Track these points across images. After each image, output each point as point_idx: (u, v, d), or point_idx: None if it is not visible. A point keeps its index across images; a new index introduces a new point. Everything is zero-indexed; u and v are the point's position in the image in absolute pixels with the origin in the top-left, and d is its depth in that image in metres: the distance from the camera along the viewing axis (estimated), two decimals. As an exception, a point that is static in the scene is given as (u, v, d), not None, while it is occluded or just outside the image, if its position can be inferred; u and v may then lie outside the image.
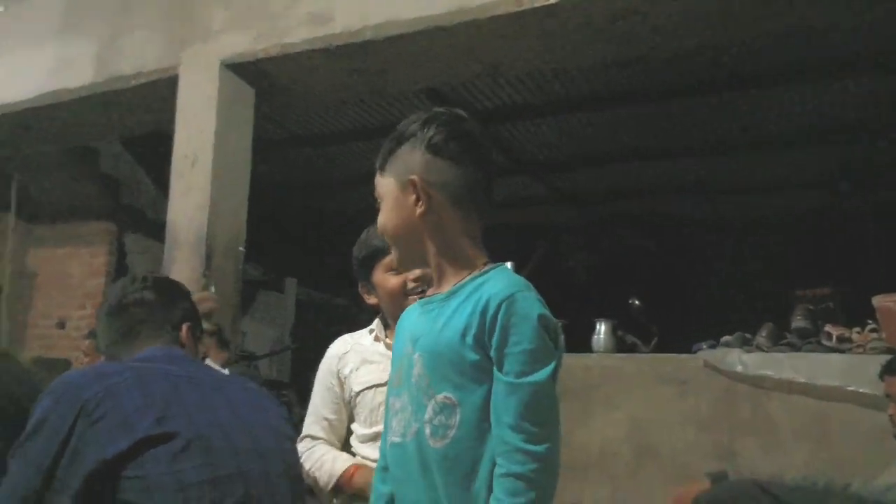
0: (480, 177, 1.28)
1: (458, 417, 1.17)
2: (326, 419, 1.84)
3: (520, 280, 1.21)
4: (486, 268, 1.25)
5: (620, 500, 3.04)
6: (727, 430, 3.01)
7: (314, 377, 1.96)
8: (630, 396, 3.23)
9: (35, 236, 6.03)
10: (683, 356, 3.25)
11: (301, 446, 1.79)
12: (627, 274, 6.69)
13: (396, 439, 1.25)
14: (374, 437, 1.73)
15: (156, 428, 1.26)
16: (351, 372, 1.84)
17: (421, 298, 1.83)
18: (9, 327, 5.71)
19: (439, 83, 4.13)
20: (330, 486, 1.75)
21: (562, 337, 1.20)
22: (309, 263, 7.46)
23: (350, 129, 5.29)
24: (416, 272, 1.82)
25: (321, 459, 1.78)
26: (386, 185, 1.29)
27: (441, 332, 1.21)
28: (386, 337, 1.87)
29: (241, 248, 3.60)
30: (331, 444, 1.84)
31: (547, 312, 1.17)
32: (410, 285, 1.83)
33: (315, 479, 1.77)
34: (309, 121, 5.19)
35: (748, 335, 3.21)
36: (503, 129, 5.19)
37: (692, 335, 3.42)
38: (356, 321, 2.02)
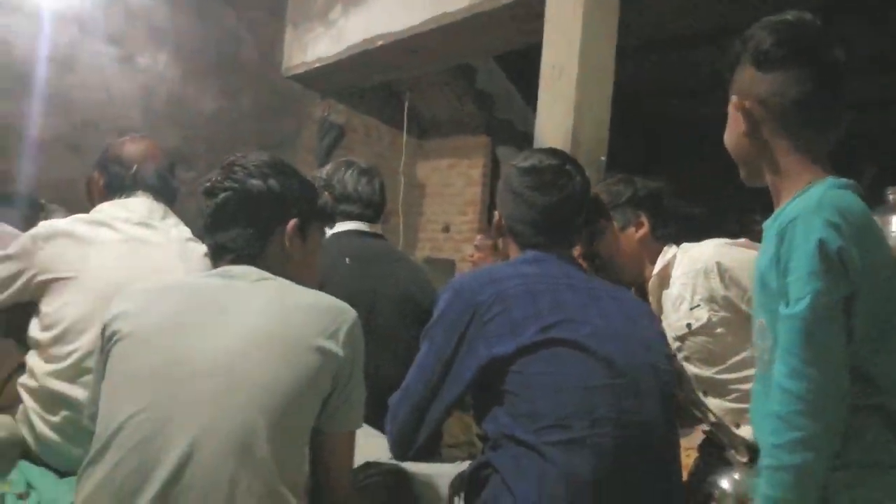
0: (815, 87, 1.13)
1: (769, 343, 1.10)
2: None
3: (816, 200, 1.06)
4: (808, 186, 1.12)
5: None
6: None
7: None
8: None
9: (423, 150, 6.75)
10: None
11: None
12: None
13: None
14: None
15: (540, 336, 1.36)
16: None
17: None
18: (405, 232, 6.53)
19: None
20: None
21: (859, 263, 1.02)
22: (665, 172, 7.23)
23: (709, 32, 4.92)
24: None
25: None
26: (730, 101, 1.22)
27: (761, 256, 1.14)
28: None
29: (602, 158, 3.63)
30: None
31: (829, 236, 1.01)
32: None
33: None
34: (667, 24, 4.93)
35: None
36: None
37: None
38: (716, 230, 1.93)
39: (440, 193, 6.55)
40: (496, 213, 1.65)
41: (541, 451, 1.29)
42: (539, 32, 3.74)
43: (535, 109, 3.75)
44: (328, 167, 2.30)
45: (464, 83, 6.11)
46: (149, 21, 5.17)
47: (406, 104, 6.37)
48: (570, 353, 1.36)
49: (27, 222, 2.74)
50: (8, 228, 2.55)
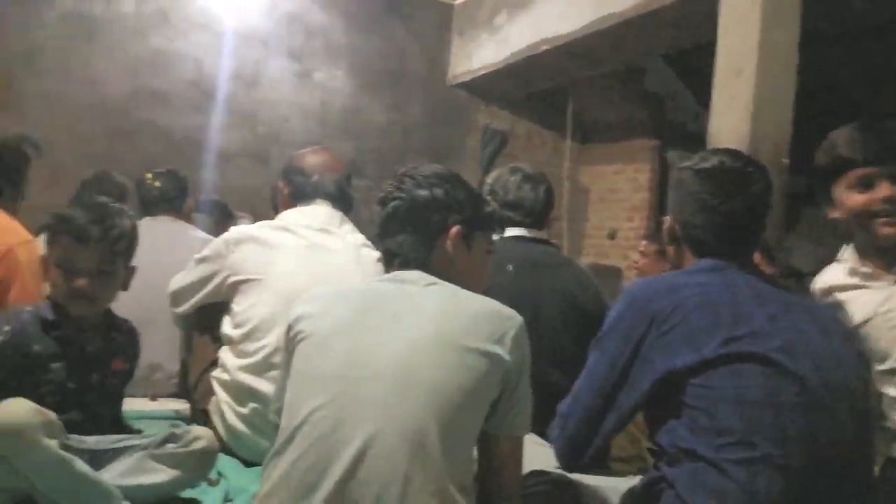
0: None
1: None
2: None
3: None
4: None
5: None
6: None
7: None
8: None
9: (587, 155, 6.65)
10: None
11: None
12: None
13: None
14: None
15: (724, 349, 1.28)
16: None
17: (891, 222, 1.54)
18: (569, 238, 6.47)
19: None
20: None
21: None
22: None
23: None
24: (886, 191, 1.53)
25: None
26: None
27: None
28: (863, 265, 1.63)
29: (784, 160, 3.40)
30: None
31: None
32: (878, 206, 1.54)
33: None
34: (860, 10, 4.54)
35: None
36: None
37: None
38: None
39: (605, 199, 6.43)
40: (667, 219, 1.57)
41: (721, 468, 1.22)
42: (712, 29, 3.59)
43: (708, 110, 3.59)
44: (494, 173, 2.33)
45: (630, 85, 5.96)
46: (325, 38, 5.48)
47: (570, 109, 6.31)
48: (757, 368, 1.27)
49: (218, 228, 2.99)
50: (202, 234, 2.78)
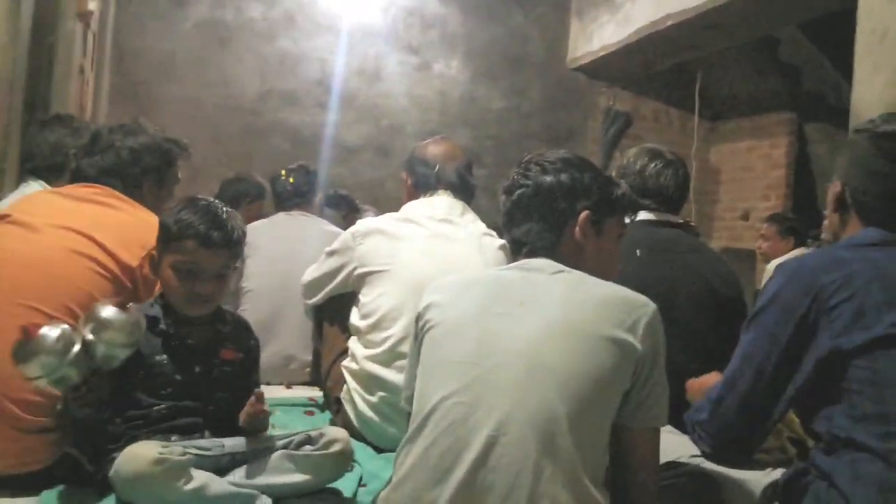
0: None
1: None
2: None
3: None
4: None
5: None
6: None
7: None
8: None
9: (717, 133, 6.37)
10: None
11: None
12: None
13: None
14: None
15: (894, 329, 1.19)
16: None
17: None
18: (698, 220, 6.21)
19: None
20: None
21: None
22: None
23: None
24: None
25: None
26: None
27: None
28: None
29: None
30: None
31: None
32: None
33: None
34: None
35: None
36: None
37: None
38: None
39: (738, 178, 6.13)
40: (835, 184, 1.43)
41: (888, 459, 1.13)
42: (854, -7, 3.34)
43: (850, 80, 3.35)
44: (631, 152, 2.24)
45: (764, 56, 5.64)
46: (442, 29, 5.52)
47: (697, 85, 6.05)
48: None
49: (345, 222, 3.07)
50: (332, 227, 2.87)
